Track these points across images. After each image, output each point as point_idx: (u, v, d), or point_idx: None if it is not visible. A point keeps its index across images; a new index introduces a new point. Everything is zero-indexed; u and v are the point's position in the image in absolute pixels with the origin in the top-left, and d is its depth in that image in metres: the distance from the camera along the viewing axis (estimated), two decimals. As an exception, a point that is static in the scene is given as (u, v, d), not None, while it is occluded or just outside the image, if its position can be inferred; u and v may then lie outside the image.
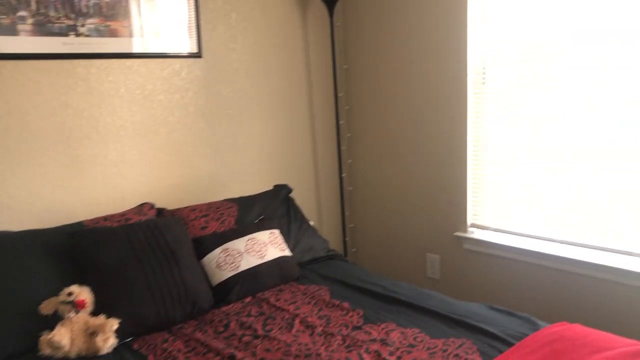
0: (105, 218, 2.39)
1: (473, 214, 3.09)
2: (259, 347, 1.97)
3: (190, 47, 2.86)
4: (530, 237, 2.84)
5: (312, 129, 3.46)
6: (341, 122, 3.56)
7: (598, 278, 2.59)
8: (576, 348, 1.74)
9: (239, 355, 1.91)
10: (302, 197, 3.33)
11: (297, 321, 2.14)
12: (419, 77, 3.16)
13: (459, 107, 2.98)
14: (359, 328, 2.07)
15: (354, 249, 3.75)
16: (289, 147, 3.34)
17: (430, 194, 3.24)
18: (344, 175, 3.60)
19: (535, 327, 1.97)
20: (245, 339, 2.04)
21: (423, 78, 3.14)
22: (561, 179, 2.66)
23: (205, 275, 2.36)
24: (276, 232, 2.63)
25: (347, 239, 3.67)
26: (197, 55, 2.88)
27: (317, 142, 3.49)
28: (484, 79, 2.89)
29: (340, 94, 3.54)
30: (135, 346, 2.03)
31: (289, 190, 3.01)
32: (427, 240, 3.32)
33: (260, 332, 2.08)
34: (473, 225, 3.09)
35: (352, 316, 2.17)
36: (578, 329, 1.89)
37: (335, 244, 3.54)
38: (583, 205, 2.61)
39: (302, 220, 2.91)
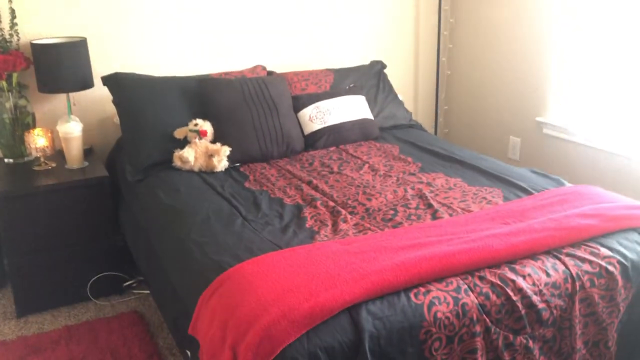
0: (227, 73, 3.01)
1: (554, 103, 3.30)
2: (331, 178, 2.52)
3: None
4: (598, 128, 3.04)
5: (415, 12, 3.76)
6: (445, 7, 3.81)
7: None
8: (581, 198, 2.07)
9: (315, 181, 2.47)
10: (399, 75, 3.72)
11: (366, 166, 2.65)
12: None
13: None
14: (413, 174, 2.53)
15: (446, 130, 4.11)
16: (391, 27, 3.69)
17: (519, 81, 3.47)
18: (443, 59, 3.90)
19: (560, 186, 2.30)
20: (323, 173, 2.59)
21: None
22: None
23: (299, 125, 2.91)
24: (362, 97, 3.09)
25: (439, 119, 4.04)
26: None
27: (419, 25, 3.80)
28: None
29: (446, -19, 3.77)
30: (241, 169, 2.67)
31: (383, 66, 3.41)
32: (511, 124, 3.60)
33: (335, 170, 2.62)
34: (554, 113, 3.32)
35: (410, 166, 2.63)
36: (595, 189, 2.20)
37: (427, 125, 3.92)
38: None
39: (389, 92, 3.33)
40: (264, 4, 3.28)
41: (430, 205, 2.17)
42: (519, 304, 1.66)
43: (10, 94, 2.66)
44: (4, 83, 2.62)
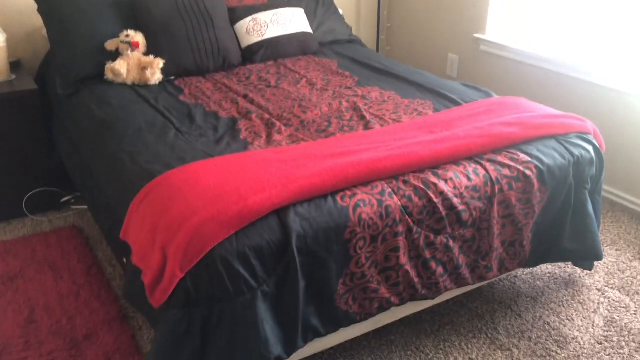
0: (160, -17, 2.88)
1: (492, 20, 3.34)
2: (268, 92, 2.52)
3: None
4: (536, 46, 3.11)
5: None
6: None
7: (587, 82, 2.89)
8: (506, 108, 2.15)
9: (251, 95, 2.47)
10: (341, -10, 3.66)
11: (303, 80, 2.65)
12: None
13: None
14: (349, 88, 2.55)
15: (388, 47, 4.11)
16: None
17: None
18: (385, -25, 3.85)
19: (488, 97, 2.38)
20: (260, 87, 2.58)
21: None
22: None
23: (236, 38, 2.86)
24: (301, 10, 3.04)
25: (382, 37, 4.03)
26: None
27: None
28: None
29: None
30: (176, 83, 2.63)
31: (324, -21, 3.35)
32: (450, 42, 3.64)
33: (272, 84, 2.61)
34: (491, 30, 3.37)
35: (347, 80, 2.65)
36: (520, 99, 2.29)
37: (370, 42, 3.91)
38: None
39: (330, 5, 3.29)
40: None
41: (363, 117, 2.22)
42: (440, 206, 1.76)
43: None
44: None
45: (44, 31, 2.80)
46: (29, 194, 2.66)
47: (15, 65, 2.74)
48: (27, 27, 2.88)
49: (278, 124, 2.18)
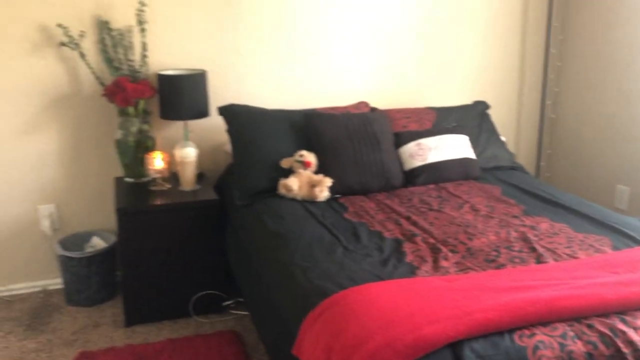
0: (332, 108, 3.13)
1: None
2: (430, 215, 2.54)
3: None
4: None
5: (520, 53, 3.74)
6: (552, 50, 3.76)
7: None
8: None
9: (414, 217, 2.50)
10: (501, 116, 3.68)
11: (466, 206, 2.64)
12: None
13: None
14: (515, 217, 2.49)
15: (548, 174, 4.00)
16: (494, 68, 3.70)
17: (629, 126, 3.35)
18: (548, 102, 3.84)
19: (676, 239, 2.19)
20: (422, 209, 2.62)
21: None
22: None
23: (399, 161, 2.96)
24: (465, 137, 3.10)
25: (542, 163, 3.95)
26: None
27: (524, 67, 3.77)
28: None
29: (555, 24, 3.72)
30: (341, 200, 2.75)
31: (486, 107, 3.41)
32: (619, 171, 3.46)
33: (434, 207, 2.63)
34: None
35: (513, 208, 2.59)
36: None
37: (529, 168, 3.85)
38: None
39: (492, 132, 3.31)
40: (369, 44, 3.40)
41: (534, 249, 2.14)
42: (630, 358, 1.59)
43: (136, 119, 2.91)
44: (132, 109, 2.88)
45: (225, 147, 3.12)
46: (196, 296, 2.84)
47: (199, 176, 3.04)
48: (212, 142, 3.22)
49: (444, 249, 2.16)
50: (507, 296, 1.68)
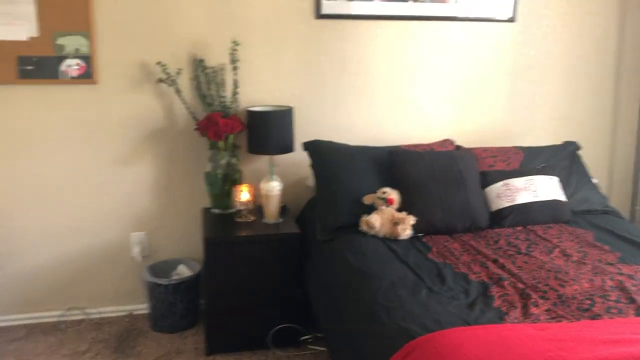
0: (416, 145, 3.12)
1: None
2: (519, 259, 2.45)
3: (506, 13, 3.34)
4: None
5: (614, 92, 3.59)
6: (649, 91, 3.60)
7: None
8: None
9: (501, 260, 2.42)
10: (593, 157, 3.53)
11: (556, 250, 2.53)
12: None
13: None
14: (611, 264, 2.36)
15: (644, 218, 3.78)
16: (586, 109, 3.57)
17: None
18: (644, 144, 3.66)
19: None
20: (509, 252, 2.53)
21: None
22: None
23: (485, 201, 2.89)
24: (555, 179, 2.99)
25: (637, 207, 3.74)
26: (511, 19, 3.35)
27: (618, 107, 3.61)
28: None
29: (653, 63, 3.57)
30: (424, 239, 2.70)
31: (577, 147, 3.28)
32: None
33: (523, 250, 2.54)
34: None
35: (608, 255, 2.46)
36: None
37: (624, 211, 3.65)
38: None
39: (583, 174, 3.17)
40: (453, 81, 3.38)
41: (632, 300, 2.01)
42: None
43: (225, 152, 3.02)
44: (222, 143, 2.99)
45: (307, 181, 3.17)
46: (275, 328, 2.86)
47: (282, 209, 3.10)
48: (295, 176, 3.28)
49: (534, 295, 2.08)
50: (605, 350, 1.59)
